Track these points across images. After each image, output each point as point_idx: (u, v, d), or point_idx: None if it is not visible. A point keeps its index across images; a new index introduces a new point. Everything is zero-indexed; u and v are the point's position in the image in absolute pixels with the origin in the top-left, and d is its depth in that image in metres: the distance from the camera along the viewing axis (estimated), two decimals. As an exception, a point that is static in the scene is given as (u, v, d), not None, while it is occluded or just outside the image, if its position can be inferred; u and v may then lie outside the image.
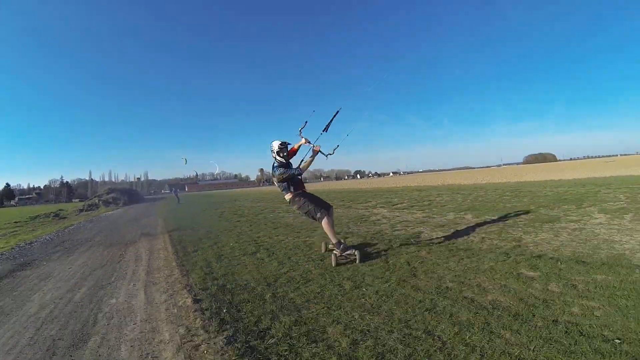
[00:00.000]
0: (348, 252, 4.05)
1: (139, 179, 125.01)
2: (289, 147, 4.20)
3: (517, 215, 6.47)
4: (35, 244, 9.08)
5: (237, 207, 15.55)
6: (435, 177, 43.95)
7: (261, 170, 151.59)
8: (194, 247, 5.99)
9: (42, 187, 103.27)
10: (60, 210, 25.09)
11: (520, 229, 5.16)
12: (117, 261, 5.63)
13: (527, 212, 6.63)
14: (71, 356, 2.42)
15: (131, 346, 2.46)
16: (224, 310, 2.86)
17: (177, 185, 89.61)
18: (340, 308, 2.70)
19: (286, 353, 2.11)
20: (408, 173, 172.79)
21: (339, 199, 14.35)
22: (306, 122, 4.21)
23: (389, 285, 3.11)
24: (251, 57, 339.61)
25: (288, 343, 2.22)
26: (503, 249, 4.10)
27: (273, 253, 4.94)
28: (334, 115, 4.21)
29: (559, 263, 3.32)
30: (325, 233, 4.27)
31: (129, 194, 36.83)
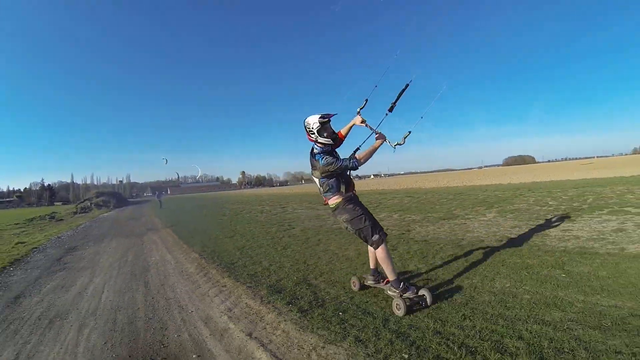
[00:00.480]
0: (409, 293, 2.99)
1: (121, 181, 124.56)
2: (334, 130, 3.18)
3: (432, 214, 8.46)
4: (63, 238, 11.69)
5: (220, 208, 18.42)
6: (411, 180, 46.98)
7: (242, 173, 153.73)
8: (191, 235, 8.89)
9: (22, 190, 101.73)
10: (54, 212, 27.01)
11: (419, 224, 7.22)
12: (141, 244, 8.49)
13: (441, 212, 8.64)
14: (145, 277, 5.33)
15: (173, 269, 5.43)
16: (215, 257, 5.84)
17: (159, 188, 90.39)
18: (272, 256, 5.68)
19: (242, 267, 5.08)
20: (389, 175, 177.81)
21: (308, 202, 17.44)
22: (366, 100, 3.30)
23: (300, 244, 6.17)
24: (233, 60, 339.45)
25: (243, 265, 5.21)
26: (392, 234, 6.34)
27: (244, 236, 7.93)
28: (402, 91, 3.27)
29: (409, 241, 5.71)
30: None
31: (116, 197, 38.94)
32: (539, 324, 2.52)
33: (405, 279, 3.55)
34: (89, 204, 30.46)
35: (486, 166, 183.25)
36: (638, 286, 3.02)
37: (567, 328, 2.42)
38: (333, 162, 2.98)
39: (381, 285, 3.36)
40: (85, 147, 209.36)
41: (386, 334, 2.59)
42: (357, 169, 3.04)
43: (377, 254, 3.09)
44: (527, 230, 5.79)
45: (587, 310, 2.67)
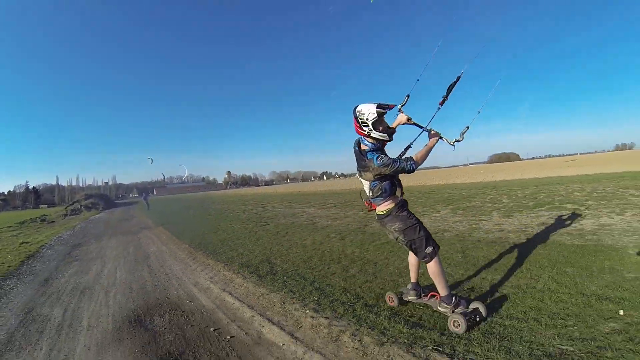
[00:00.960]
0: (461, 308, 2.70)
1: (106, 183, 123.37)
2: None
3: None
4: (64, 237, 12.99)
5: (205, 209, 19.90)
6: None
7: (228, 173, 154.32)
8: (181, 232, 10.41)
9: (6, 193, 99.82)
10: (44, 215, 27.76)
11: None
12: (138, 240, 9.98)
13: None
14: (147, 262, 6.87)
15: (168, 256, 7.03)
16: (201, 247, 7.43)
17: (145, 189, 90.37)
18: (246, 245, 7.29)
19: (222, 253, 6.68)
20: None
21: (288, 201, 19.09)
22: (408, 95, 2.97)
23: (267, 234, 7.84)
24: (221, 60, 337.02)
25: (224, 251, 6.80)
26: (349, 228, 7.82)
27: (225, 231, 9.52)
28: (455, 83, 2.92)
29: (359, 233, 8.00)
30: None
31: (105, 199, 39.74)
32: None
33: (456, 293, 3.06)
34: (78, 206, 31.24)
35: (471, 163, 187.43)
36: (509, 266, 3.93)
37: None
38: (390, 163, 2.62)
39: (425, 300, 3.08)
40: (69, 148, 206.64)
41: (309, 288, 4.19)
42: (414, 171, 2.72)
43: (429, 268, 2.76)
44: (465, 224, 6.62)
45: (458, 280, 3.70)
